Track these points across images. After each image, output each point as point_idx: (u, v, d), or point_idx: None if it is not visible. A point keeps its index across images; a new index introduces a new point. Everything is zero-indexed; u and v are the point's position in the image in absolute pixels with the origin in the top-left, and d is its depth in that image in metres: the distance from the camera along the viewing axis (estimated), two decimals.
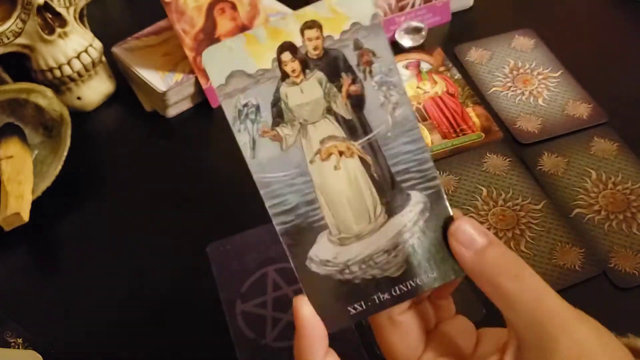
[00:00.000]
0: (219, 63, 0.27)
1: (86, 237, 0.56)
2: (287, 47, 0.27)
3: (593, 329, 0.26)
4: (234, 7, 0.64)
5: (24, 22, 0.59)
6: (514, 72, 0.67)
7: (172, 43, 0.66)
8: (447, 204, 0.29)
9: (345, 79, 0.28)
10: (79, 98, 0.65)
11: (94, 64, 0.64)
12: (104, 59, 0.66)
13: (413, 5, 0.71)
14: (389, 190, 0.29)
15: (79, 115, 0.64)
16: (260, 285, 0.51)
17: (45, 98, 0.58)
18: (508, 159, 0.58)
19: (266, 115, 0.27)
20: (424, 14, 0.72)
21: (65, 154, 0.58)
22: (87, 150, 0.63)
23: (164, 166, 0.61)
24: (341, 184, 0.28)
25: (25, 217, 0.53)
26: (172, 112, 0.65)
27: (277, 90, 0.27)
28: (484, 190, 0.56)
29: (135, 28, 0.69)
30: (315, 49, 0.27)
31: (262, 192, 0.28)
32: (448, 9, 0.73)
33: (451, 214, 0.29)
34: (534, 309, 0.26)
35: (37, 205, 0.55)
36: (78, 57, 0.62)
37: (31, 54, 0.61)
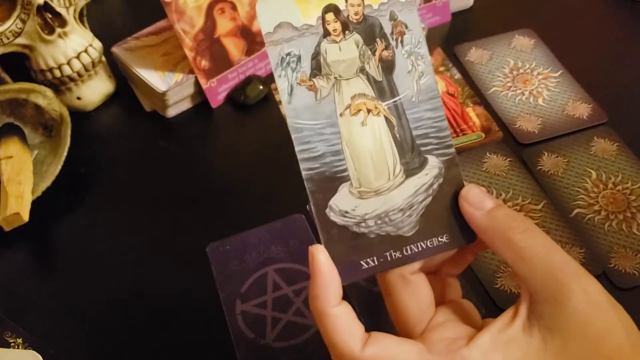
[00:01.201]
0: (270, 13, 0.29)
1: (86, 237, 0.56)
2: (332, 8, 0.30)
3: (603, 290, 0.27)
4: (233, 7, 0.64)
5: (23, 22, 0.59)
6: (514, 72, 0.67)
7: (172, 43, 0.66)
8: (460, 172, 0.31)
9: (380, 44, 0.30)
10: (78, 98, 0.65)
11: (93, 64, 0.64)
12: (103, 59, 0.66)
13: None
14: (409, 152, 0.31)
15: (78, 115, 0.64)
16: (260, 285, 0.51)
17: (45, 98, 0.57)
18: (508, 159, 0.58)
19: (306, 65, 0.30)
20: (424, 14, 0.72)
21: (65, 154, 0.58)
22: (87, 150, 0.63)
23: (164, 166, 0.61)
24: (366, 140, 0.30)
25: (25, 217, 0.53)
26: (171, 112, 0.65)
27: (319, 45, 0.30)
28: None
29: (135, 28, 0.69)
30: (356, 14, 0.30)
31: (293, 136, 0.29)
32: (448, 9, 0.73)
33: (463, 181, 0.31)
34: (545, 261, 0.27)
35: (37, 205, 0.55)
36: (78, 57, 0.62)
37: (31, 54, 0.61)
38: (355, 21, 0.30)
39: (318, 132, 0.30)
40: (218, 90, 0.65)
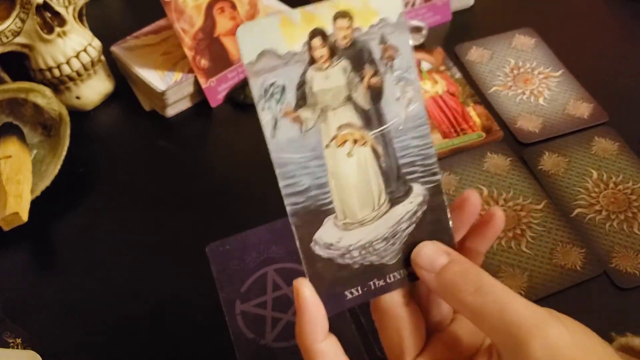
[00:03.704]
0: (252, 40, 0.27)
1: (85, 236, 0.56)
2: (319, 32, 0.28)
3: (565, 330, 0.26)
4: (233, 6, 0.64)
5: (23, 21, 0.58)
6: (515, 72, 0.67)
7: (172, 42, 0.66)
8: (445, 199, 0.30)
9: (368, 71, 0.29)
10: (78, 97, 0.65)
11: (93, 64, 0.64)
12: (103, 58, 0.66)
13: (413, 4, 0.71)
14: (394, 181, 0.30)
15: (78, 115, 0.64)
16: (259, 285, 0.51)
17: (44, 97, 0.57)
18: (509, 159, 0.58)
19: (290, 96, 0.28)
20: (425, 13, 0.71)
21: (64, 153, 0.58)
22: (86, 150, 0.63)
23: (163, 166, 0.61)
24: (352, 171, 0.29)
25: (24, 216, 0.52)
26: (171, 111, 0.65)
27: (304, 73, 0.28)
28: (485, 190, 0.56)
29: (135, 27, 0.69)
30: (344, 38, 0.28)
31: (277, 171, 0.29)
32: (448, 8, 0.72)
33: (447, 208, 0.31)
34: (499, 319, 0.27)
35: (36, 204, 0.55)
36: (77, 56, 0.62)
37: (30, 53, 0.61)
38: (343, 46, 0.28)
39: (303, 165, 0.29)
40: (217, 90, 0.65)
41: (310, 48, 0.28)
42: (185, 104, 0.66)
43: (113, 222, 0.57)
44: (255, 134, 0.70)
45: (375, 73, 0.29)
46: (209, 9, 0.63)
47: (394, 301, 0.31)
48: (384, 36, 0.28)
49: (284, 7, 0.69)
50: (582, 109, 0.62)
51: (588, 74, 0.66)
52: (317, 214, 0.29)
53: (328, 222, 0.29)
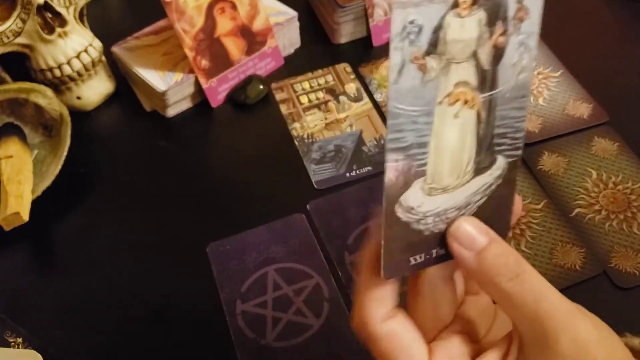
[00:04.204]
0: None
1: (86, 236, 0.56)
2: None
3: (593, 327, 0.26)
4: (234, 6, 0.64)
5: (23, 21, 0.59)
6: None
7: (172, 43, 0.66)
8: (517, 174, 0.30)
9: (499, 28, 0.28)
10: (78, 98, 0.65)
11: (93, 64, 0.64)
12: (103, 58, 0.66)
13: None
14: (484, 150, 0.29)
15: (78, 115, 0.64)
16: (260, 285, 0.51)
17: (45, 98, 0.57)
18: None
19: (424, 40, 0.27)
20: None
21: (65, 153, 0.58)
22: (87, 150, 0.63)
23: (164, 166, 0.61)
24: (454, 134, 0.28)
25: (25, 216, 0.52)
26: (171, 111, 0.65)
27: (444, 16, 0.27)
28: None
29: (135, 28, 0.69)
30: None
31: (389, 122, 0.27)
32: None
33: (516, 184, 0.30)
34: (534, 309, 0.26)
35: (36, 205, 0.55)
36: (78, 56, 0.62)
37: (31, 53, 0.61)
38: None
39: (413, 120, 0.27)
40: (218, 90, 0.65)
41: None
42: (186, 104, 0.66)
43: (114, 222, 0.57)
44: (256, 134, 0.70)
45: (504, 32, 0.28)
46: (210, 9, 0.63)
47: (441, 274, 0.30)
48: None
49: (284, 8, 0.69)
50: (582, 109, 0.62)
51: (588, 74, 0.66)
52: (409, 174, 0.28)
53: (416, 185, 0.28)
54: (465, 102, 0.28)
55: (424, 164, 0.28)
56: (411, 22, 0.26)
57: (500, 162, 0.30)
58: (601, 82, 0.65)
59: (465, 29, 0.27)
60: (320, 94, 0.66)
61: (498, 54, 0.28)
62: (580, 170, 0.57)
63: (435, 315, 0.31)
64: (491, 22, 0.27)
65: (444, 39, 0.27)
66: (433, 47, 0.27)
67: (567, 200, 0.55)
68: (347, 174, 0.58)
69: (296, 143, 0.62)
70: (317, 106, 0.65)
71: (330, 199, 0.56)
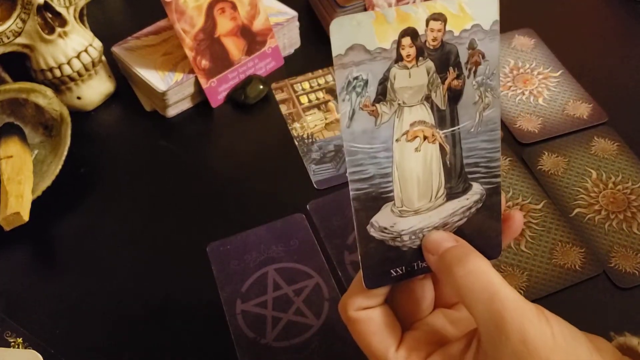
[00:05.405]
0: (344, 33, 0.27)
1: (86, 236, 0.56)
2: (410, 32, 0.28)
3: (549, 330, 0.27)
4: (234, 6, 0.64)
5: (24, 21, 0.59)
6: (514, 72, 0.67)
7: (172, 43, 0.66)
8: (501, 200, 0.32)
9: (451, 73, 0.29)
10: (79, 98, 0.65)
11: (94, 64, 0.64)
12: (104, 58, 0.66)
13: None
14: (455, 178, 0.31)
15: (79, 115, 0.64)
16: (260, 285, 0.51)
17: (45, 98, 0.57)
18: (508, 159, 0.58)
19: (371, 90, 0.29)
20: None
21: (65, 153, 0.58)
22: (87, 150, 0.63)
23: (164, 166, 0.61)
24: (417, 165, 0.30)
25: (25, 216, 0.53)
26: (172, 111, 0.65)
27: (388, 70, 0.28)
28: None
29: (135, 28, 0.69)
30: (434, 40, 0.28)
31: (347, 159, 0.29)
32: None
33: (501, 209, 0.32)
34: (486, 306, 0.27)
35: (37, 204, 0.55)
36: (78, 56, 0.62)
37: (31, 53, 0.61)
38: (431, 47, 0.28)
39: (372, 155, 0.29)
40: (218, 90, 0.65)
41: (399, 45, 0.28)
42: (186, 104, 0.66)
43: (114, 222, 0.57)
44: (256, 134, 0.70)
45: (458, 76, 0.29)
46: (210, 9, 0.63)
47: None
48: (474, 42, 0.29)
49: (284, 8, 0.69)
50: (582, 109, 0.62)
51: (587, 74, 0.66)
52: (377, 200, 0.30)
53: (386, 208, 0.30)
54: (425, 137, 0.30)
55: (390, 191, 0.30)
56: (355, 78, 0.28)
57: (477, 188, 0.31)
58: (601, 82, 0.65)
59: (413, 77, 0.29)
60: (320, 94, 0.66)
61: (455, 95, 0.30)
62: (580, 170, 0.57)
63: (415, 308, 0.33)
64: (441, 69, 0.29)
65: (391, 88, 0.29)
66: (382, 95, 0.29)
67: (567, 200, 0.55)
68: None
69: (296, 143, 0.62)
70: (317, 106, 0.65)
71: (330, 199, 0.56)
